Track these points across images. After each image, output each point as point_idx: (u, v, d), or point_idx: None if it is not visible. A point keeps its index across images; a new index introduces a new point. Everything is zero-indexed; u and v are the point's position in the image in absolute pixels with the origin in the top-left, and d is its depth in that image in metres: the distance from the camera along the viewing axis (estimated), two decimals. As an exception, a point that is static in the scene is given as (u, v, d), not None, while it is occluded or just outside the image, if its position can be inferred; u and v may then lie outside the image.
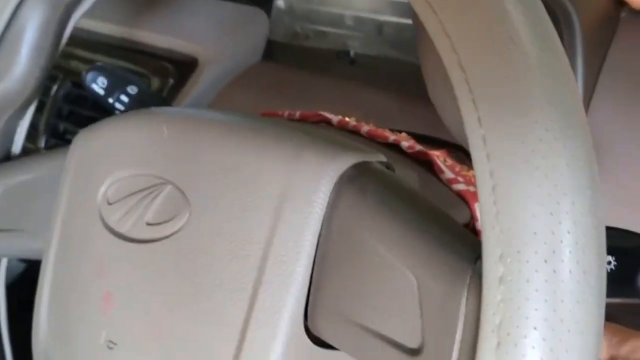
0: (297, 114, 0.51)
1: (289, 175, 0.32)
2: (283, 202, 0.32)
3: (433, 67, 0.35)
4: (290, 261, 0.31)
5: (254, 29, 0.75)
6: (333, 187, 0.32)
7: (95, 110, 0.72)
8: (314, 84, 0.69)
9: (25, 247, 0.46)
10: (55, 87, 0.76)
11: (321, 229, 0.31)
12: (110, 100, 0.55)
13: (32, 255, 0.45)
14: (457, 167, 0.45)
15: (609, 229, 0.38)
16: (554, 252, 0.22)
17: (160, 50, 0.73)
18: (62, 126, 0.75)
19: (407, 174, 0.41)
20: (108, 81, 0.55)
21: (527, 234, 0.23)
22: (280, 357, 0.31)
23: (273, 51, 0.75)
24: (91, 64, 0.73)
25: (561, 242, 0.22)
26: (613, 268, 0.33)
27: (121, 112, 0.55)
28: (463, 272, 0.26)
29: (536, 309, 0.22)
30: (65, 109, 0.75)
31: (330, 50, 0.71)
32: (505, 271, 0.23)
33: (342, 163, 0.32)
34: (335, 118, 0.49)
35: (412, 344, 0.27)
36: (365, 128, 0.47)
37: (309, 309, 0.32)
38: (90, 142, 0.40)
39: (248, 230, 0.32)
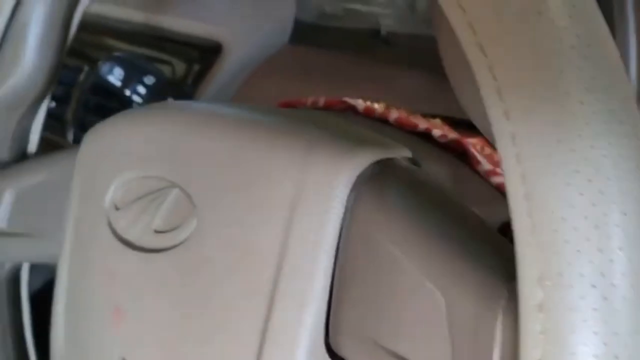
0: (322, 101, 0.48)
1: (300, 177, 0.29)
2: (295, 208, 0.29)
3: (449, 45, 0.31)
4: (307, 274, 0.28)
5: (280, 10, 0.71)
6: (350, 190, 0.28)
7: (116, 100, 0.70)
8: (345, 67, 0.66)
9: (41, 252, 0.44)
10: (81, 78, 0.75)
11: (339, 237, 0.28)
12: (127, 92, 0.52)
13: (50, 260, 0.43)
14: (496, 156, 0.41)
15: None
16: (602, 274, 0.19)
17: (182, 36, 0.71)
18: (89, 119, 0.74)
19: (437, 169, 0.37)
20: (124, 72, 0.53)
21: (570, 252, 0.19)
22: (299, 377, 0.28)
23: (300, 33, 0.71)
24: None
25: (611, 261, 0.19)
26: None
27: (139, 104, 0.53)
28: (497, 293, 0.22)
29: (584, 344, 0.19)
30: (92, 101, 0.73)
31: (361, 30, 0.67)
32: (545, 297, 0.19)
33: (359, 161, 0.29)
34: (361, 105, 0.45)
35: (441, 372, 0.24)
36: (393, 115, 0.43)
37: (330, 325, 0.29)
38: (98, 141, 0.38)
39: (259, 240, 0.29)
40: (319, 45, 0.69)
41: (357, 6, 0.67)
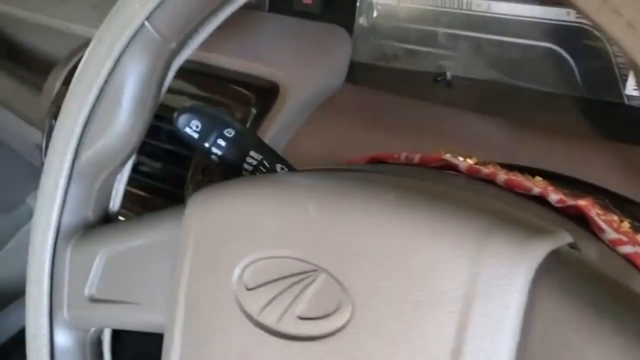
0: (416, 158, 0.47)
1: (474, 269, 0.28)
2: (469, 303, 0.27)
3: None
4: (485, 373, 0.27)
5: (336, 50, 0.70)
6: (529, 283, 0.27)
7: (171, 142, 0.69)
8: (407, 110, 0.65)
9: (132, 320, 0.42)
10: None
11: (520, 336, 0.27)
12: (207, 145, 0.51)
13: (145, 328, 0.42)
14: (614, 222, 0.40)
15: None
16: None
17: (237, 75, 0.69)
18: (136, 158, 0.72)
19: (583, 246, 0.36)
20: (202, 124, 0.51)
21: None
22: None
23: (357, 73, 0.70)
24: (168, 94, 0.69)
25: None
26: None
27: (218, 156, 0.51)
28: None
29: None
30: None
31: (422, 73, 0.66)
32: None
33: (538, 252, 0.28)
34: (462, 164, 0.44)
35: None
36: (501, 177, 0.42)
37: None
38: (214, 211, 0.37)
39: (429, 334, 0.28)
40: (377, 87, 0.68)
41: (418, 47, 0.66)
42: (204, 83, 0.69)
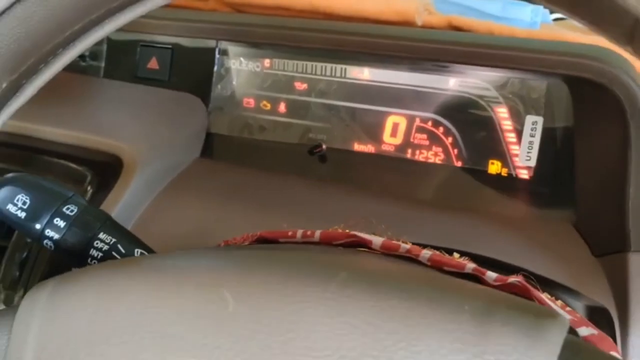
0: (317, 235, 0.39)
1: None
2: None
3: None
4: None
5: (189, 120, 0.61)
6: None
7: None
8: (274, 186, 0.57)
9: None
10: None
11: None
12: (37, 226, 0.38)
13: None
14: (558, 302, 0.35)
15: None
16: None
17: (67, 149, 0.57)
18: None
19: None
20: (31, 199, 0.39)
21: None
22: None
23: (215, 146, 0.61)
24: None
25: None
26: None
27: (55, 241, 0.39)
28: None
29: None
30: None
31: (292, 145, 0.59)
32: None
33: (553, 344, 0.21)
34: (376, 239, 0.37)
35: None
36: (426, 254, 0.35)
37: None
38: (68, 317, 0.25)
39: None
40: (238, 161, 0.60)
41: (288, 119, 0.59)
42: (21, 159, 0.56)
